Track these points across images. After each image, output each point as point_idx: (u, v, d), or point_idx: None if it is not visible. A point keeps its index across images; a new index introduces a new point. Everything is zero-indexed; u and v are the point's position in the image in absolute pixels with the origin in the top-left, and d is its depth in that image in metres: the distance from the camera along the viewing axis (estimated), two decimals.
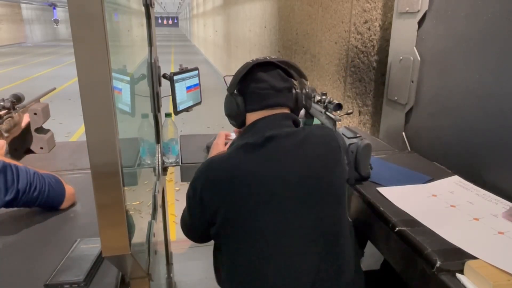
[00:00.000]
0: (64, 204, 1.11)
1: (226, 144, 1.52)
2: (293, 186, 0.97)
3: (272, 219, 0.97)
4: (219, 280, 1.12)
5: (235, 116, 1.12)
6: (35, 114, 1.52)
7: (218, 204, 0.97)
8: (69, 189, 1.12)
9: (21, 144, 1.54)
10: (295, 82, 1.14)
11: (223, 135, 1.54)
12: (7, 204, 0.98)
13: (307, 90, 1.18)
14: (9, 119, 1.36)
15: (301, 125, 1.19)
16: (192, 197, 1.02)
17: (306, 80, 1.19)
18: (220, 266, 1.09)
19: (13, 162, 1.02)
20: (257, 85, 1.08)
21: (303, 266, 0.98)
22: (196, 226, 1.07)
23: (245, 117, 1.11)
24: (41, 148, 1.57)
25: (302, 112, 1.39)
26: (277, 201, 0.97)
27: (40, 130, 1.57)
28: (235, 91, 1.11)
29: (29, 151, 1.57)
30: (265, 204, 0.97)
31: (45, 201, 1.05)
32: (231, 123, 1.18)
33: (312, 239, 0.99)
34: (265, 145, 0.99)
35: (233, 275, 1.04)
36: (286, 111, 1.10)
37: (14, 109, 1.40)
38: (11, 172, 0.97)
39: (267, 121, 1.06)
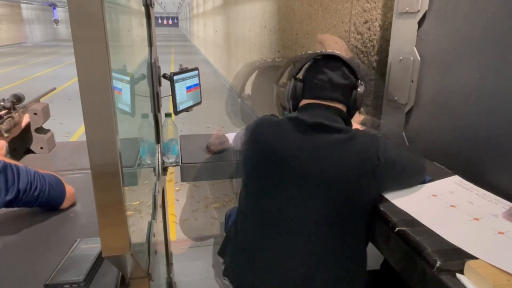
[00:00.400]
0: (64, 204, 1.11)
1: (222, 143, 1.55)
2: (315, 181, 1.00)
3: (281, 199, 1.03)
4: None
5: (292, 99, 1.17)
6: (35, 114, 1.52)
7: (254, 160, 1.09)
8: (69, 189, 1.13)
9: (21, 144, 1.53)
10: (356, 81, 1.14)
11: (216, 135, 1.58)
12: (8, 204, 0.98)
13: (367, 90, 1.16)
14: (9, 119, 1.36)
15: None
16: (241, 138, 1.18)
17: (365, 81, 1.18)
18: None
19: (13, 162, 1.02)
20: (317, 75, 1.12)
21: (296, 260, 1.00)
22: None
23: (300, 102, 1.16)
24: (41, 148, 1.57)
25: None
26: (295, 186, 1.01)
27: (40, 130, 1.57)
28: (296, 76, 1.16)
29: (29, 151, 1.56)
30: (282, 182, 1.02)
31: (45, 201, 1.05)
32: (283, 108, 1.25)
33: (311, 237, 1.00)
34: (313, 128, 1.03)
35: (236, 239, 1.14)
36: (341, 107, 1.11)
37: (14, 109, 1.40)
38: (11, 172, 0.97)
39: (322, 107, 1.10)
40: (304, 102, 1.15)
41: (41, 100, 1.68)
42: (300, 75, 1.18)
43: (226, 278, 1.17)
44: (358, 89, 1.12)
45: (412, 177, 1.08)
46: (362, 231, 1.04)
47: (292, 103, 1.19)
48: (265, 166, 1.06)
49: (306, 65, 1.17)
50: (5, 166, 0.97)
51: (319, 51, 1.16)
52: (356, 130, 1.05)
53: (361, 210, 1.01)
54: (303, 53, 1.16)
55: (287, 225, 1.02)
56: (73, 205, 1.14)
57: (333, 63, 1.13)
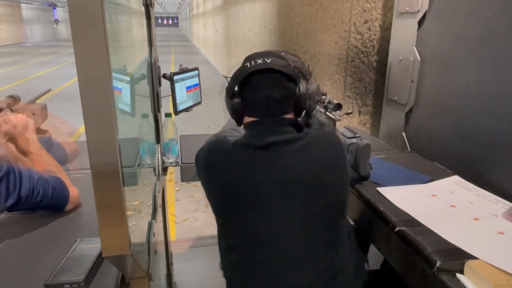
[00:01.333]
0: (68, 207, 1.11)
1: None
2: (289, 193, 0.97)
3: (263, 224, 0.99)
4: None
5: (235, 117, 1.11)
6: (33, 114, 1.52)
7: (214, 188, 1.03)
8: (73, 191, 1.12)
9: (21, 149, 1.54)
10: (297, 85, 1.05)
11: None
12: (8, 209, 0.98)
13: (309, 91, 1.08)
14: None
15: None
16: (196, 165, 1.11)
17: (310, 77, 1.11)
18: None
19: (21, 159, 1.02)
20: (254, 92, 1.03)
21: (294, 274, 0.99)
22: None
23: (244, 118, 1.09)
24: (39, 148, 1.57)
25: None
26: (269, 206, 0.98)
27: (38, 130, 1.57)
28: (232, 94, 1.08)
29: None
30: (256, 208, 0.98)
31: (48, 205, 1.06)
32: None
33: (305, 247, 1.00)
34: (265, 150, 0.98)
35: (227, 263, 1.12)
36: (288, 116, 1.06)
37: (11, 111, 1.40)
38: (14, 178, 0.97)
39: (268, 123, 1.04)
40: (247, 119, 1.08)
41: (37, 101, 1.67)
42: (236, 91, 1.09)
43: None
44: (298, 92, 1.04)
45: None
46: (343, 223, 1.03)
47: (236, 120, 1.12)
48: (232, 197, 1.01)
49: (238, 82, 1.07)
50: (8, 171, 0.97)
51: (248, 64, 1.04)
52: (309, 133, 1.01)
53: (339, 203, 1.01)
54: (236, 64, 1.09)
55: (269, 248, 0.99)
56: (78, 207, 1.14)
57: (267, 77, 1.02)
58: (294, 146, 0.98)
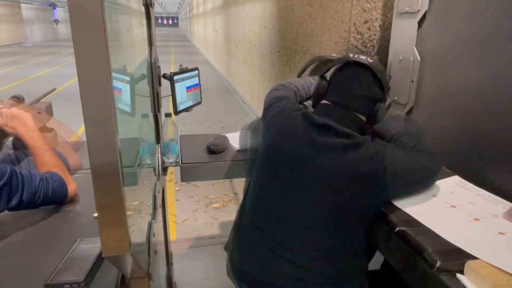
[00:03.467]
0: (67, 201, 1.14)
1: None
2: (314, 182, 1.00)
3: (282, 192, 1.05)
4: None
5: (314, 96, 1.19)
6: (39, 113, 1.53)
7: (260, 144, 1.14)
8: (71, 185, 1.15)
9: (24, 143, 1.54)
10: (382, 94, 1.10)
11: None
12: (9, 210, 0.99)
13: (388, 105, 1.11)
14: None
15: None
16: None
17: (388, 91, 1.14)
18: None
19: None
20: (344, 81, 1.11)
21: (281, 265, 1.03)
22: None
23: (320, 101, 1.15)
24: (44, 145, 1.57)
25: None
26: (294, 182, 1.03)
27: (44, 128, 1.58)
28: (324, 75, 1.17)
29: None
30: (284, 177, 1.04)
31: (48, 202, 1.08)
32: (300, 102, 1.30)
33: (301, 238, 1.01)
34: (319, 130, 1.03)
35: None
36: (359, 115, 1.09)
37: None
38: (16, 181, 0.98)
39: (339, 110, 1.08)
40: (324, 101, 1.14)
41: (42, 100, 1.68)
42: (328, 75, 1.17)
43: (229, 276, 1.19)
44: (382, 104, 1.09)
45: (418, 184, 1.06)
46: (362, 233, 1.04)
47: (313, 100, 1.20)
48: (271, 158, 1.09)
49: (336, 67, 1.15)
50: (11, 175, 0.97)
51: (351, 55, 1.13)
52: (367, 138, 1.02)
53: (359, 214, 1.00)
54: (333, 55, 1.17)
55: (285, 216, 1.04)
56: (74, 202, 1.15)
57: (363, 73, 1.09)
58: (345, 141, 0.99)
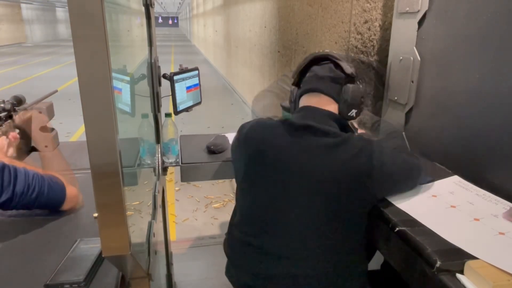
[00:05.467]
0: (65, 206, 1.10)
1: None
2: (302, 183, 1.00)
3: (271, 199, 1.04)
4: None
5: (292, 103, 1.24)
6: (40, 112, 1.53)
7: (243, 160, 1.12)
8: (71, 190, 1.11)
9: (25, 143, 1.55)
10: (346, 77, 1.15)
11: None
12: (2, 206, 0.97)
13: (356, 89, 1.13)
14: (9, 121, 1.35)
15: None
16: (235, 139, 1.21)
17: (358, 80, 1.20)
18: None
19: (15, 162, 1.02)
20: (307, 74, 1.19)
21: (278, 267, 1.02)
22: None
23: (298, 106, 1.19)
24: (46, 146, 1.58)
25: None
26: (282, 187, 1.02)
27: (45, 128, 1.58)
28: (293, 84, 1.25)
29: (34, 149, 1.58)
30: (272, 183, 1.03)
31: (44, 203, 1.04)
32: (283, 108, 1.40)
33: (299, 233, 1.01)
34: (301, 131, 1.04)
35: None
36: (332, 109, 1.12)
37: (14, 111, 1.40)
38: (8, 174, 0.96)
39: (313, 110, 1.11)
40: (300, 105, 1.18)
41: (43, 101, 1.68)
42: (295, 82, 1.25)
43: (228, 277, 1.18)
44: (347, 84, 1.13)
45: (407, 181, 1.06)
46: (358, 234, 1.04)
47: (292, 107, 1.25)
48: (255, 167, 1.08)
49: (300, 70, 1.23)
50: (3, 167, 0.96)
51: (307, 56, 1.22)
52: (350, 135, 1.03)
53: (352, 213, 1.00)
54: (326, 50, 1.24)
55: (278, 223, 1.03)
56: (76, 206, 1.13)
57: (321, 61, 1.19)
58: (328, 140, 1.00)
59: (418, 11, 1.36)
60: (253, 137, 1.11)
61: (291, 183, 1.00)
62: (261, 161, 1.05)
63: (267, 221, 1.04)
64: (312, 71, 1.18)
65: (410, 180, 1.07)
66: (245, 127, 1.17)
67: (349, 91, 1.11)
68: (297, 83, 1.23)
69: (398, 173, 1.02)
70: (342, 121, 1.12)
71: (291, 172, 1.00)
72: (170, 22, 42.05)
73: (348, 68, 1.15)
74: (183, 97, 1.56)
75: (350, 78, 1.15)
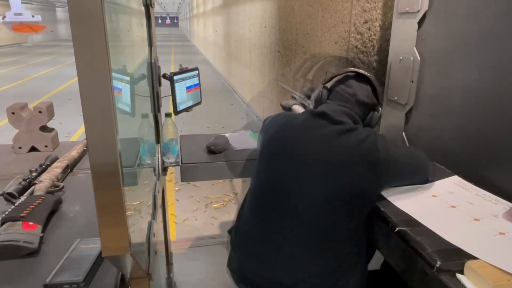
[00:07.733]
0: None
1: None
2: (312, 166, 1.04)
3: (282, 180, 1.08)
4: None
5: (315, 102, 1.30)
6: (40, 112, 1.54)
7: (261, 144, 1.21)
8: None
9: (26, 142, 1.55)
10: (377, 104, 1.26)
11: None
12: None
13: (379, 115, 1.27)
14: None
15: None
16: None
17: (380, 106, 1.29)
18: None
19: None
20: (345, 88, 1.23)
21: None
22: None
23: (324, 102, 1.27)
24: (46, 146, 1.58)
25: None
26: (294, 169, 1.07)
27: (45, 128, 1.59)
28: (325, 84, 1.30)
29: (34, 149, 1.58)
30: (284, 165, 1.09)
31: None
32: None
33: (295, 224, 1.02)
34: (315, 117, 1.12)
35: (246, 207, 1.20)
36: (356, 117, 1.20)
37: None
38: None
39: (333, 106, 1.20)
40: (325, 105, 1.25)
41: (44, 100, 1.68)
42: (328, 84, 1.30)
43: (229, 269, 1.20)
44: (376, 112, 1.25)
45: (413, 172, 1.10)
46: (360, 224, 1.04)
47: (314, 106, 1.30)
48: (268, 151, 1.15)
49: (338, 77, 1.29)
50: None
51: (352, 68, 1.29)
52: (359, 126, 1.12)
53: (360, 197, 1.02)
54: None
55: (286, 204, 1.05)
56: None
57: (362, 81, 1.24)
58: (340, 127, 1.07)
59: (418, 11, 1.36)
60: (272, 123, 1.20)
61: (300, 166, 1.05)
62: (277, 145, 1.12)
63: (276, 199, 1.07)
64: (351, 86, 1.22)
65: (417, 170, 1.11)
66: (270, 117, 1.26)
67: (376, 119, 1.24)
68: (327, 87, 1.29)
69: (404, 159, 1.08)
70: (357, 120, 1.20)
71: (300, 155, 1.06)
72: (169, 21, 42.06)
73: (381, 96, 1.26)
74: (183, 97, 1.56)
75: (378, 105, 1.26)
